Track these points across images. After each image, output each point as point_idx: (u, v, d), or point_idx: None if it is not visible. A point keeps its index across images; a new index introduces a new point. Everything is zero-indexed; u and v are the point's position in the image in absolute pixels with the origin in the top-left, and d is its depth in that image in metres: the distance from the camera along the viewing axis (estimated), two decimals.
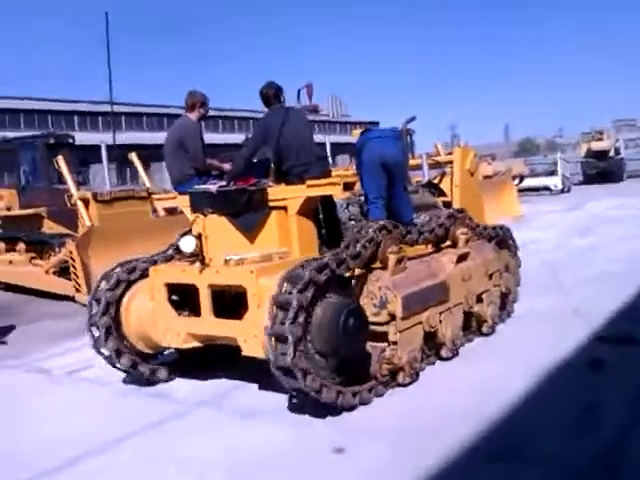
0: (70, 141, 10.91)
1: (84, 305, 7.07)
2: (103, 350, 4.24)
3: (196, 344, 4.07)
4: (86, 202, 8.19)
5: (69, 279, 7.65)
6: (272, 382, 3.51)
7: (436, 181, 6.96)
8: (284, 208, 4.05)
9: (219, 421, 3.60)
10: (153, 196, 5.17)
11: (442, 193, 6.61)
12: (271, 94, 4.52)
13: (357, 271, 3.81)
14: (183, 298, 4.20)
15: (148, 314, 4.21)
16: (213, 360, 4.37)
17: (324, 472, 2.90)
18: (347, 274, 3.65)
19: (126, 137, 23.51)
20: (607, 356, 4.13)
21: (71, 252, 7.47)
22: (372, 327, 3.72)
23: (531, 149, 52.67)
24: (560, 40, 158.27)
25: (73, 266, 7.48)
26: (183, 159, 4.89)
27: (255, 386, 4.06)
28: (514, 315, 5.41)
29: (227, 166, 4.99)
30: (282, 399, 3.70)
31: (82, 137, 20.06)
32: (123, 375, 4.43)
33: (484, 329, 4.83)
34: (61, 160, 8.60)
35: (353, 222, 5.82)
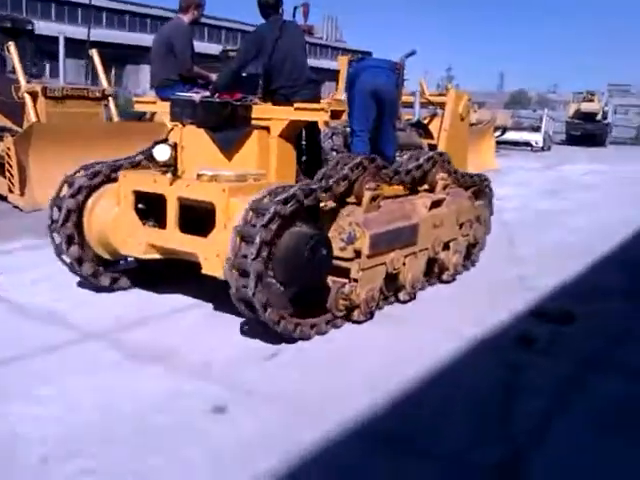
0: (29, 27, 9.96)
1: (16, 207, 6.96)
2: (64, 257, 4.18)
3: (156, 256, 4.00)
4: (34, 96, 7.66)
5: (4, 177, 7.22)
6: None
7: (426, 121, 6.84)
8: (267, 128, 3.92)
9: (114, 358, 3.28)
10: (134, 99, 4.90)
11: (430, 135, 6.52)
12: (271, 3, 4.27)
13: (330, 203, 3.77)
14: (150, 208, 4.11)
15: (111, 219, 4.11)
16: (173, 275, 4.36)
17: (188, 433, 2.56)
18: (320, 204, 3.61)
19: (105, 34, 21.90)
20: (538, 334, 3.82)
21: (8, 149, 6.95)
22: (336, 262, 3.74)
23: (522, 102, 51.94)
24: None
25: (9, 164, 7.01)
26: (169, 62, 4.63)
27: (196, 313, 3.99)
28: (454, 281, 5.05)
29: (214, 76, 4.78)
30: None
31: (56, 28, 18.89)
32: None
33: (444, 276, 4.89)
34: (12, 46, 7.91)
35: (335, 153, 5.75)
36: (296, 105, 3.80)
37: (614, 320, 4.28)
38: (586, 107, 27.08)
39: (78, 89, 8.50)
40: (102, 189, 4.21)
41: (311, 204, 3.41)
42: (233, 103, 3.83)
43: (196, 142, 3.83)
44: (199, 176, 3.68)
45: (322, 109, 3.70)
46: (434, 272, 4.81)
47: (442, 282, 4.91)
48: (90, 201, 4.17)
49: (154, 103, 4.68)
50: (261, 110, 3.98)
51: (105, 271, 4.31)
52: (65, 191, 4.15)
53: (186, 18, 4.80)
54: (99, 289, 4.30)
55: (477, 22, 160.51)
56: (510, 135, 21.93)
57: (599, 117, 27.04)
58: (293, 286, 3.34)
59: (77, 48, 16.86)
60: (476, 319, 4.02)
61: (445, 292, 4.73)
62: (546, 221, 8.02)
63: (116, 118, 8.68)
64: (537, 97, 58.71)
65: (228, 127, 3.80)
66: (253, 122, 3.91)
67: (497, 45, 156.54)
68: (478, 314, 4.14)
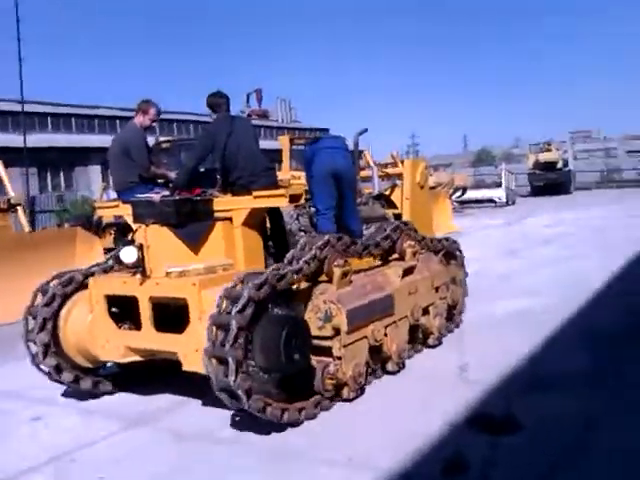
0: None
1: None
2: (42, 367, 4.09)
3: (136, 358, 3.96)
4: None
5: None
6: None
7: (387, 193, 7.04)
8: (229, 219, 3.98)
9: None
10: (95, 204, 5.01)
11: (393, 205, 6.69)
12: (218, 102, 4.46)
13: (303, 284, 3.78)
14: (124, 310, 4.07)
15: (87, 327, 4.07)
16: (157, 373, 4.26)
17: None
18: (292, 287, 3.60)
19: (49, 138, 21.68)
20: (472, 453, 2.99)
21: None
22: (317, 341, 3.69)
23: (487, 159, 53.69)
24: (520, 50, 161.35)
25: None
26: (128, 166, 4.78)
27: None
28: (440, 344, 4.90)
29: (172, 174, 4.90)
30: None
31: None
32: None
33: (430, 341, 4.87)
34: None
35: (303, 233, 5.82)
36: (255, 193, 3.89)
37: (570, 425, 3.26)
38: (544, 157, 28.05)
39: None
40: (75, 296, 4.18)
41: (284, 287, 3.40)
42: (193, 199, 3.90)
43: (161, 240, 3.85)
44: (168, 273, 3.68)
45: (281, 195, 3.78)
46: (419, 338, 4.79)
47: (428, 347, 4.88)
48: (64, 311, 4.13)
49: (117, 207, 4.73)
50: (222, 202, 4.06)
51: (86, 376, 4.20)
52: (39, 300, 4.11)
53: (138, 121, 4.99)
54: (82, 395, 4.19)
55: (438, 89, 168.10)
56: (472, 194, 22.45)
57: (559, 165, 27.97)
58: (275, 372, 3.26)
59: (16, 157, 17.22)
60: (398, 438, 3.21)
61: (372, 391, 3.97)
62: (502, 286, 7.24)
63: (27, 229, 8.32)
64: (502, 153, 60.75)
65: (191, 222, 3.85)
66: (215, 214, 3.97)
67: (459, 108, 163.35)
68: (402, 429, 3.33)
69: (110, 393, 4.27)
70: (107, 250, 9.73)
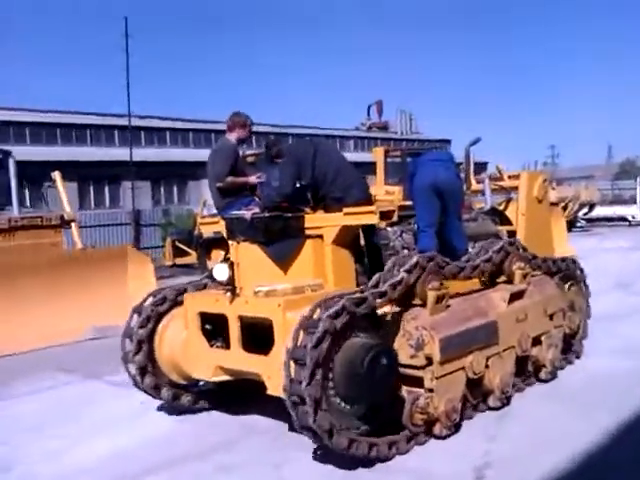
0: None
1: None
2: (130, 365, 4.19)
3: (226, 378, 3.96)
4: None
5: None
6: None
7: (501, 207, 6.59)
8: (320, 237, 3.89)
9: None
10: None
11: (507, 221, 6.24)
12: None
13: (393, 308, 3.57)
14: (217, 328, 4.11)
15: (181, 344, 4.15)
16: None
17: None
18: (380, 311, 3.41)
19: (160, 153, 22.40)
20: None
21: None
22: (408, 371, 3.47)
23: (632, 171, 48.77)
24: None
25: None
26: None
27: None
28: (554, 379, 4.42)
29: (252, 178, 4.91)
30: None
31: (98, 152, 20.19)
32: None
33: (542, 375, 4.44)
34: None
35: (406, 250, 5.60)
36: (345, 210, 3.76)
37: None
38: None
39: (30, 218, 7.89)
40: (170, 314, 4.28)
41: (365, 312, 3.23)
42: (283, 215, 3.85)
43: (252, 258, 3.85)
44: (256, 292, 3.65)
45: (371, 212, 3.62)
46: (528, 371, 4.37)
47: (541, 381, 4.44)
48: (160, 327, 4.24)
49: (217, 223, 4.82)
50: (312, 219, 3.98)
51: (185, 393, 4.28)
52: (135, 321, 4.24)
53: (232, 136, 5.05)
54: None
55: (581, 94, 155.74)
56: (602, 211, 20.43)
57: None
58: (358, 403, 3.09)
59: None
60: None
61: None
62: (600, 332, 5.50)
63: (80, 245, 8.19)
64: None
65: (281, 239, 3.80)
66: (306, 232, 3.89)
67: (604, 115, 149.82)
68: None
69: (207, 410, 4.32)
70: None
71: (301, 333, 3.07)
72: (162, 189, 21.91)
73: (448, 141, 33.00)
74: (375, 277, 3.43)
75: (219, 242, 10.29)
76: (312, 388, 2.92)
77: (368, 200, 4.20)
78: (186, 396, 4.29)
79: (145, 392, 4.23)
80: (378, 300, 3.28)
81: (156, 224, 18.21)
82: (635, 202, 21.31)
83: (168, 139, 24.91)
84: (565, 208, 17.61)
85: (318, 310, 3.12)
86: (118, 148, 19.85)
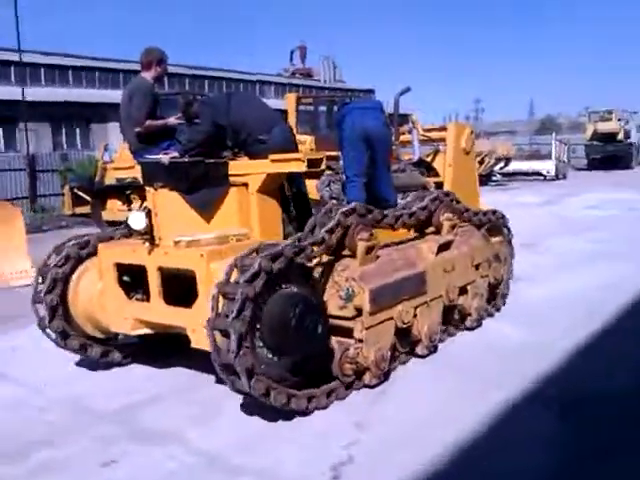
0: None
1: None
2: (48, 331, 3.98)
3: (147, 331, 3.81)
4: None
5: None
6: None
7: (429, 159, 6.65)
8: (245, 184, 3.74)
9: None
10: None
11: (435, 173, 6.31)
12: None
13: (324, 258, 3.52)
14: (136, 280, 3.92)
15: (96, 296, 3.95)
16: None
17: None
18: (310, 263, 3.35)
19: (61, 92, 20.29)
20: None
21: None
22: (338, 322, 3.46)
23: (552, 128, 51.03)
24: (593, 12, 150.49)
25: None
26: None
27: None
28: (479, 326, 4.55)
29: (172, 119, 4.67)
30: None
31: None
32: None
33: (467, 323, 4.57)
34: None
35: (334, 201, 5.55)
36: (271, 157, 3.62)
37: None
38: (603, 127, 26.33)
39: None
40: (88, 262, 4.05)
41: (301, 261, 3.15)
42: (205, 161, 3.67)
43: (171, 206, 3.64)
44: (176, 243, 3.48)
45: (298, 159, 3.50)
46: (454, 320, 4.50)
47: (467, 329, 4.59)
48: (75, 275, 4.01)
49: (132, 168, 4.55)
50: (236, 166, 3.81)
51: (95, 344, 4.10)
52: (52, 260, 3.99)
53: (148, 75, 4.74)
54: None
55: (504, 51, 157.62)
56: (518, 166, 21.26)
57: (620, 137, 26.26)
58: (286, 355, 3.04)
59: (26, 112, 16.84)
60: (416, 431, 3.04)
61: None
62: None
63: None
64: (568, 122, 57.09)
65: (203, 187, 3.62)
66: (230, 179, 3.73)
67: (527, 71, 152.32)
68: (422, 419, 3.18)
69: (119, 364, 4.17)
70: (109, 222, 9.53)
71: (234, 271, 2.96)
72: (64, 132, 20.07)
73: (372, 91, 32.92)
74: (309, 224, 3.35)
75: (115, 190, 9.77)
76: (239, 322, 2.83)
77: (293, 146, 4.07)
78: (94, 349, 4.07)
79: (51, 339, 3.99)
80: (315, 249, 3.21)
81: (54, 170, 16.94)
82: (550, 157, 22.18)
83: (71, 78, 23.12)
84: (481, 162, 18.20)
85: (255, 254, 3.02)
86: (15, 86, 18.06)
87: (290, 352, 3.06)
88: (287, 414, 3.19)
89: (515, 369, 3.80)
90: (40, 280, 3.99)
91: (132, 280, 3.95)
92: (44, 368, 4.18)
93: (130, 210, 8.68)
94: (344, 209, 3.56)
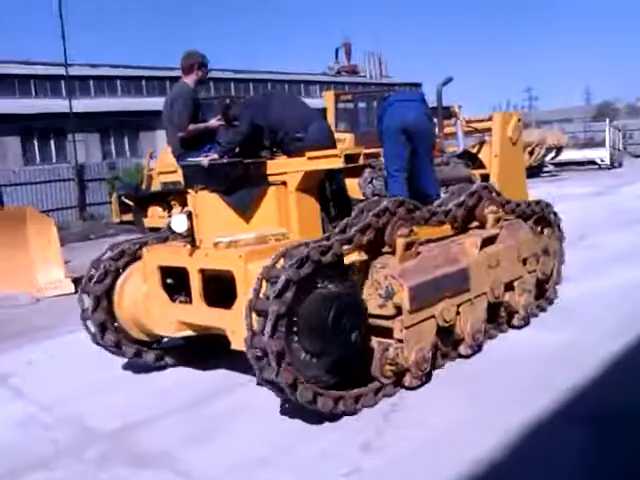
0: None
1: None
2: (89, 322, 4.09)
3: (190, 333, 3.89)
4: None
5: None
6: None
7: (474, 150, 6.51)
8: (283, 183, 3.76)
9: None
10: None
11: (481, 164, 6.18)
12: None
13: (361, 256, 3.50)
14: (179, 283, 4.00)
15: (141, 299, 4.04)
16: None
17: None
18: (348, 260, 3.34)
19: (96, 104, 20.65)
20: None
21: None
22: (378, 321, 3.43)
23: (610, 114, 48.99)
24: None
25: None
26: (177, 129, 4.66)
27: None
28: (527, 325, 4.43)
29: (213, 122, 4.73)
30: None
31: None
32: None
33: (515, 321, 4.46)
34: None
35: (377, 198, 5.52)
36: (308, 154, 3.63)
37: None
38: None
39: None
40: (129, 269, 4.16)
41: (332, 260, 3.14)
42: (243, 162, 3.71)
43: (211, 208, 3.71)
44: (216, 244, 3.54)
45: (335, 155, 3.49)
46: (501, 317, 4.40)
47: (514, 327, 4.48)
48: (118, 283, 4.11)
49: (176, 172, 4.66)
50: (274, 165, 3.83)
51: (149, 350, 4.22)
52: (92, 276, 4.10)
53: (189, 80, 4.81)
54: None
55: (558, 36, 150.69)
56: (570, 155, 20.39)
57: None
58: (324, 356, 3.05)
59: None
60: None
61: None
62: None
63: None
64: (626, 108, 54.73)
65: (241, 187, 3.66)
66: (268, 179, 3.77)
67: (581, 56, 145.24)
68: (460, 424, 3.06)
69: (173, 367, 4.25)
70: (151, 229, 9.68)
71: (263, 283, 2.97)
72: (112, 141, 20.44)
73: (419, 84, 32.51)
74: (342, 223, 3.34)
75: (157, 197, 9.95)
76: (275, 341, 2.84)
77: (331, 142, 4.06)
78: (148, 354, 4.21)
79: (107, 349, 4.13)
80: (345, 247, 3.20)
81: (102, 179, 17.42)
82: (604, 145, 21.22)
83: (119, 88, 23.80)
84: (531, 153, 17.63)
85: (282, 260, 3.01)
86: (64, 99, 18.68)
87: (326, 353, 3.05)
88: (292, 433, 3.11)
89: (545, 382, 3.48)
90: (85, 297, 4.08)
91: (176, 283, 4.04)
92: (59, 382, 4.22)
93: (170, 216, 8.90)
94: (375, 210, 3.50)
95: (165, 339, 4.31)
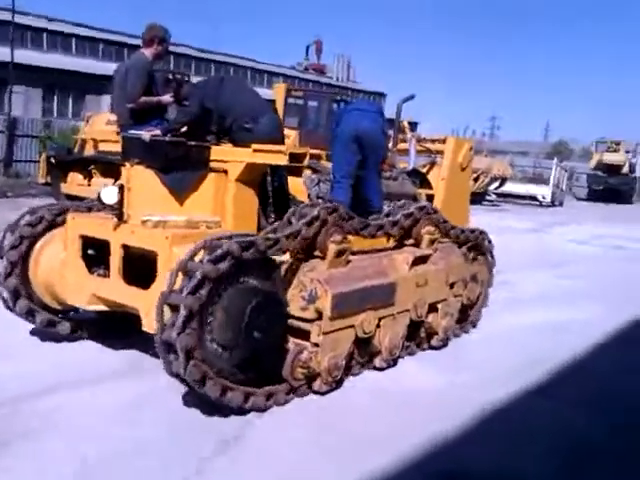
0: None
1: None
2: (14, 310, 4.00)
3: (102, 308, 3.80)
4: None
5: None
6: None
7: (424, 170, 6.67)
8: (224, 172, 3.74)
9: None
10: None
11: (428, 184, 6.33)
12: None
13: (284, 257, 3.53)
14: (100, 255, 3.92)
15: (58, 266, 3.95)
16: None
17: None
18: (280, 257, 3.36)
19: (60, 59, 20.24)
20: None
21: None
22: (297, 323, 3.47)
23: (564, 153, 50.71)
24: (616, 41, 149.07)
25: None
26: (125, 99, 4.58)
27: None
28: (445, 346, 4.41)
29: (166, 97, 4.68)
30: None
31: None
32: None
33: (434, 342, 4.58)
34: None
35: (321, 201, 5.57)
36: (254, 147, 3.62)
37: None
38: (609, 158, 25.97)
39: None
40: (50, 233, 4.04)
41: (252, 258, 3.11)
42: (187, 143, 3.67)
43: (145, 184, 3.63)
44: (144, 222, 3.48)
45: (280, 151, 3.51)
46: (420, 336, 4.52)
47: (432, 348, 4.61)
48: (36, 247, 4.00)
49: (118, 142, 4.56)
50: (218, 151, 3.80)
51: (63, 320, 4.12)
52: (8, 240, 3.98)
53: (148, 52, 4.75)
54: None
55: (522, 71, 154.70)
56: (514, 187, 21.00)
57: (625, 170, 26.03)
58: (236, 351, 3.05)
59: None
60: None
61: None
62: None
63: None
64: (580, 149, 56.99)
65: (180, 169, 3.62)
66: (210, 164, 3.74)
67: (544, 94, 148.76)
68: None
69: (68, 339, 4.16)
70: (67, 196, 9.17)
71: (179, 275, 2.92)
72: (55, 99, 19.82)
73: (383, 94, 33.00)
74: (285, 216, 3.36)
75: (77, 163, 9.64)
76: (185, 337, 2.79)
77: (280, 138, 4.06)
78: (62, 324, 4.11)
79: (19, 316, 4.01)
80: (270, 249, 3.19)
81: (35, 136, 16.67)
82: (546, 183, 21.80)
83: (74, 46, 22.95)
84: (476, 180, 18.19)
85: (203, 251, 2.97)
86: (8, 48, 17.83)
87: (238, 346, 3.03)
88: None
89: (401, 430, 3.19)
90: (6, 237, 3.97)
91: (96, 254, 3.95)
92: None
93: (90, 186, 8.69)
94: (327, 205, 3.58)
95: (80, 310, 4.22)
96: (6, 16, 17.93)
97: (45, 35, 21.81)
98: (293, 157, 3.51)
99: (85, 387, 3.50)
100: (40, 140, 16.42)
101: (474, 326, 5.29)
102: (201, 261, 2.91)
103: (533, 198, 21.32)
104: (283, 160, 3.51)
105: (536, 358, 4.56)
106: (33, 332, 4.26)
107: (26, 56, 17.50)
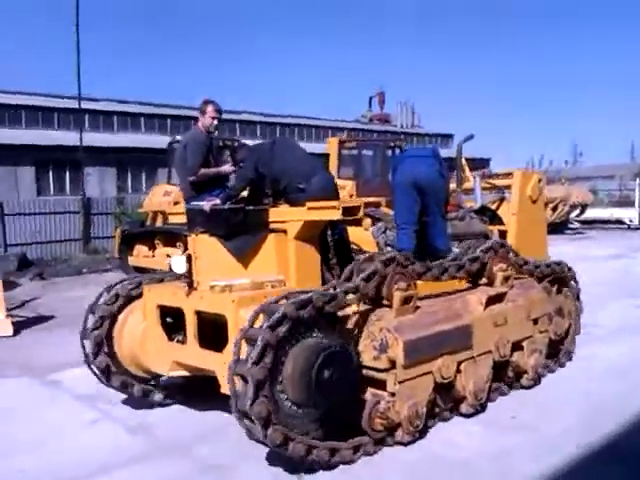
0: None
1: None
2: (93, 366, 4.21)
3: (184, 373, 3.96)
4: None
5: None
6: None
7: (494, 206, 6.59)
8: (283, 231, 3.87)
9: None
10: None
11: (500, 220, 6.24)
12: None
13: (360, 306, 3.57)
14: (178, 322, 4.11)
15: (140, 336, 4.16)
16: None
17: None
18: (342, 311, 3.41)
19: (129, 138, 21.54)
20: None
21: None
22: (371, 373, 3.47)
23: None
24: None
25: None
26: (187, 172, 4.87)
27: None
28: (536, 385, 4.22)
29: (226, 167, 4.90)
30: None
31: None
32: None
33: (524, 381, 4.41)
34: None
35: (390, 248, 5.61)
36: (308, 205, 3.74)
37: None
38: None
39: None
40: (129, 307, 4.27)
41: (332, 310, 3.18)
42: (245, 208, 3.85)
43: (210, 251, 3.82)
44: (212, 287, 3.64)
45: (333, 207, 3.61)
46: (508, 377, 4.37)
47: (523, 387, 4.44)
48: (122, 314, 4.25)
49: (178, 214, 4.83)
50: (275, 213, 3.94)
51: (137, 383, 4.28)
52: (90, 322, 4.23)
53: (202, 125, 5.04)
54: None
55: (602, 95, 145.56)
56: (596, 213, 20.05)
57: None
58: (311, 408, 3.07)
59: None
60: None
61: None
62: None
63: None
64: None
65: (242, 233, 3.79)
66: (269, 226, 3.89)
67: (627, 114, 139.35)
68: None
69: (162, 405, 4.32)
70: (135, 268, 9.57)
71: (260, 315, 3.02)
72: (129, 176, 20.81)
73: (451, 136, 32.93)
74: (345, 272, 3.44)
75: (143, 236, 9.98)
76: (257, 369, 2.86)
77: (333, 194, 4.15)
78: (137, 388, 4.27)
79: (95, 374, 4.21)
80: (328, 305, 3.22)
81: (109, 213, 17.51)
82: (633, 205, 20.79)
83: (142, 124, 24.61)
84: (555, 209, 17.56)
85: (284, 299, 3.06)
86: (86, 132, 19.32)
87: (312, 405, 3.06)
88: None
89: None
90: (90, 316, 4.21)
91: (175, 322, 4.15)
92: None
93: (154, 257, 9.06)
94: (383, 257, 3.62)
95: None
96: (82, 104, 19.63)
97: (115, 117, 23.51)
98: (347, 210, 3.59)
99: None
100: (115, 216, 17.34)
101: (570, 359, 5.07)
102: (261, 326, 2.99)
103: (620, 222, 20.30)
104: (337, 215, 3.60)
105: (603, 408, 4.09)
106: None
107: (99, 139, 18.80)
